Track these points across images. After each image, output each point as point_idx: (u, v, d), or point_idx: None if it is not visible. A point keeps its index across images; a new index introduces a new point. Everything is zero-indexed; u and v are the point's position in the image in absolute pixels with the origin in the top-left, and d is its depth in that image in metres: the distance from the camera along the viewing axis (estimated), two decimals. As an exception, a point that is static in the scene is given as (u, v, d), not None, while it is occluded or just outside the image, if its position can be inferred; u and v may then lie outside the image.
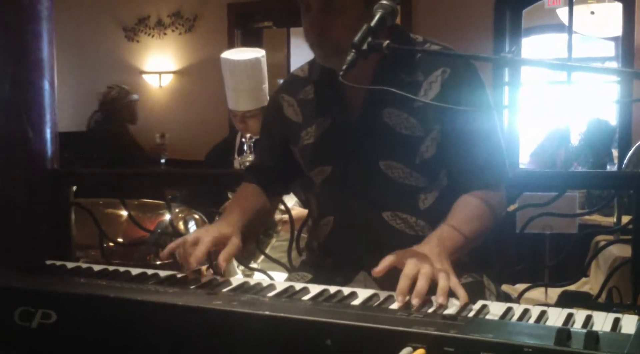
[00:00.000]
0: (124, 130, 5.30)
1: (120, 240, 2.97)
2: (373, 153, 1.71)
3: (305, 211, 2.65)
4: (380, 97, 1.68)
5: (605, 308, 2.28)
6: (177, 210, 3.30)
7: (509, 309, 1.28)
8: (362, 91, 1.71)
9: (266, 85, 3.29)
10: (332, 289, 1.44)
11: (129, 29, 7.38)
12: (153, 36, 7.32)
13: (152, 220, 3.18)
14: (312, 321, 1.16)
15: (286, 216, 2.51)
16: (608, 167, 5.59)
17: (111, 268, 1.67)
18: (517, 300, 2.21)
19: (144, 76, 7.37)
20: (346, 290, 1.43)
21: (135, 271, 1.63)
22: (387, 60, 1.68)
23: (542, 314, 1.25)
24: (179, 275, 1.61)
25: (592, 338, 1.02)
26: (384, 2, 1.46)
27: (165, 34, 7.29)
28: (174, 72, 7.31)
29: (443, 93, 1.66)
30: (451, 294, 1.36)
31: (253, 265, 2.65)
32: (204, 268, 2.16)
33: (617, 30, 6.23)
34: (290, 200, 3.04)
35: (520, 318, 1.23)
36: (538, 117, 7.90)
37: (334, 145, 1.76)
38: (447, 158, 1.70)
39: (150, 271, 1.62)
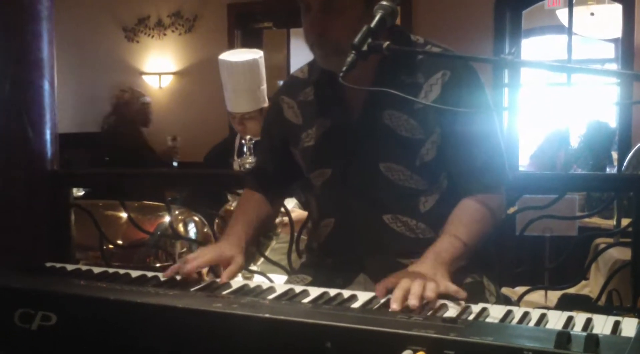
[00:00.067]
0: (137, 133, 5.31)
1: (120, 242, 2.96)
2: (373, 155, 1.71)
3: (305, 213, 2.64)
4: (380, 98, 1.68)
5: (605, 311, 2.28)
6: (176, 212, 3.30)
7: (509, 312, 1.28)
8: (362, 92, 1.71)
9: (264, 87, 3.29)
10: (332, 292, 1.44)
11: (129, 29, 7.38)
12: (153, 36, 7.32)
13: (152, 221, 3.18)
14: (312, 324, 1.16)
15: (286, 219, 2.51)
16: (608, 170, 5.58)
17: (111, 270, 1.68)
18: (517, 303, 2.21)
19: (144, 77, 7.37)
20: (346, 293, 1.43)
21: (135, 273, 1.64)
22: (388, 62, 1.68)
23: (542, 317, 1.25)
24: (179, 278, 1.61)
25: (592, 341, 1.02)
26: (384, 2, 1.46)
27: (165, 34, 7.28)
28: (173, 73, 7.31)
29: (443, 96, 1.66)
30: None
31: (253, 267, 2.65)
32: (204, 271, 2.15)
33: (617, 31, 6.24)
34: (290, 202, 3.04)
35: (521, 321, 1.23)
36: (538, 118, 7.90)
37: (334, 147, 1.76)
38: (447, 160, 1.70)
39: (150, 274, 1.62)
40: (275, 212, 2.04)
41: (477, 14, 6.11)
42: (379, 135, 1.70)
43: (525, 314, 1.26)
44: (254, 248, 2.54)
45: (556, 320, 1.24)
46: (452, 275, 1.50)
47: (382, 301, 1.37)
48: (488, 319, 1.26)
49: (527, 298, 2.37)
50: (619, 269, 2.48)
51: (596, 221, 4.54)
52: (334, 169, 1.77)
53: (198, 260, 1.66)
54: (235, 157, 3.43)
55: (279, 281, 2.18)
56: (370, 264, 1.71)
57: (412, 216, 1.70)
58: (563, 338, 1.02)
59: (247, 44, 6.83)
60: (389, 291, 1.40)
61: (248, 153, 2.69)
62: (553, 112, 7.45)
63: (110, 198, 3.05)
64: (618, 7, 6.02)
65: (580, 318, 1.24)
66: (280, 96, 1.90)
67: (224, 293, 1.47)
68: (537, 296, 3.76)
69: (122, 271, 1.65)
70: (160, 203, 3.24)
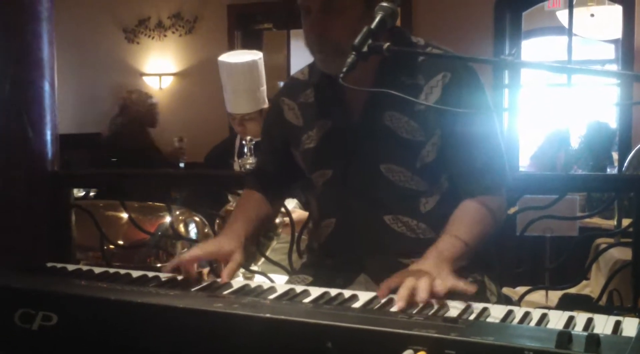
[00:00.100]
0: (144, 133, 5.32)
1: (120, 242, 2.96)
2: (374, 156, 1.71)
3: (306, 214, 2.64)
4: (381, 100, 1.68)
5: (606, 311, 2.28)
6: (177, 212, 3.29)
7: (510, 312, 1.28)
8: (362, 94, 1.71)
9: (264, 88, 3.29)
10: (333, 291, 1.44)
11: (129, 30, 7.38)
12: (153, 38, 7.32)
13: (153, 222, 3.17)
14: (313, 324, 1.16)
15: (287, 219, 2.51)
16: (608, 170, 5.59)
17: (112, 270, 1.68)
18: (518, 303, 2.21)
19: (144, 78, 7.37)
20: (347, 293, 1.43)
21: (135, 273, 1.63)
22: (388, 63, 1.68)
23: (543, 317, 1.25)
24: (180, 278, 1.61)
25: (593, 340, 1.02)
26: (385, 4, 1.46)
27: (165, 35, 7.29)
28: (174, 74, 7.31)
29: (444, 98, 1.66)
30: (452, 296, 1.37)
31: (253, 267, 2.65)
32: (205, 270, 2.15)
33: (617, 32, 6.24)
34: (291, 202, 3.04)
35: (521, 321, 1.23)
36: (538, 119, 7.90)
37: (335, 148, 1.76)
38: (447, 161, 1.70)
39: (151, 274, 1.62)
40: (275, 212, 2.04)
41: (477, 15, 6.11)
42: (380, 137, 1.70)
43: (526, 314, 1.26)
44: (254, 248, 2.54)
45: (557, 320, 1.24)
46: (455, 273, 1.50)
47: (383, 301, 1.37)
48: (489, 319, 1.26)
49: (527, 298, 2.37)
50: (620, 269, 2.48)
51: (597, 221, 4.55)
52: (334, 170, 1.77)
53: (195, 252, 1.66)
54: (236, 158, 3.43)
55: (280, 281, 2.18)
56: (371, 264, 1.71)
57: (412, 216, 1.70)
58: (564, 337, 1.02)
59: (247, 45, 6.83)
60: (392, 291, 1.40)
61: (249, 153, 2.69)
62: (553, 113, 7.45)
63: (112, 198, 3.06)
64: (618, 8, 6.03)
65: (581, 318, 1.23)
66: (280, 97, 1.90)
67: (225, 293, 1.47)
68: (538, 296, 3.76)
69: (122, 272, 1.65)
70: (161, 204, 3.24)
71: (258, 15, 7.21)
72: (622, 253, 3.31)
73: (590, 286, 3.99)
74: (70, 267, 1.70)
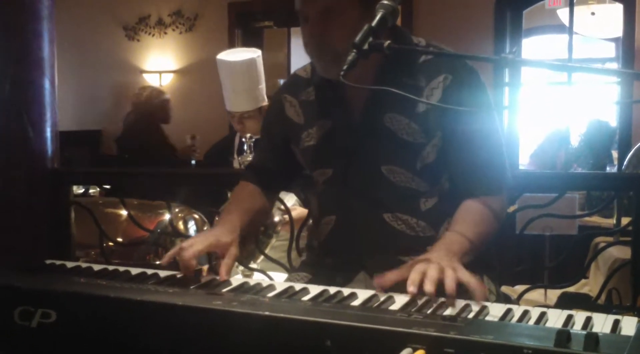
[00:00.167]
0: (157, 129, 5.31)
1: (120, 239, 2.96)
2: (374, 156, 1.71)
3: (305, 211, 2.64)
4: (381, 100, 1.68)
5: (605, 309, 2.28)
6: (176, 210, 3.29)
7: (508, 311, 1.28)
8: (363, 93, 1.71)
9: (263, 86, 3.29)
10: (332, 289, 1.44)
11: (130, 28, 7.38)
12: (153, 35, 7.32)
13: (152, 219, 3.17)
14: (312, 322, 1.16)
15: (287, 217, 2.50)
16: (608, 168, 5.59)
17: (111, 267, 1.68)
18: (517, 302, 2.21)
19: (145, 75, 7.37)
20: (346, 291, 1.43)
21: (135, 271, 1.63)
22: (389, 63, 1.68)
23: (542, 315, 1.25)
24: (179, 275, 1.61)
25: (592, 339, 1.02)
26: (385, 2, 1.45)
27: (165, 33, 7.28)
28: (174, 72, 7.30)
29: (444, 100, 1.66)
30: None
31: (253, 265, 2.65)
32: (204, 268, 2.16)
33: (618, 31, 6.24)
34: (290, 200, 3.04)
35: (520, 320, 1.23)
36: (538, 117, 7.90)
37: (335, 147, 1.76)
38: (448, 162, 1.70)
39: (150, 271, 1.62)
40: (270, 205, 2.03)
41: (478, 14, 6.11)
42: (380, 138, 1.70)
43: (525, 312, 1.26)
44: (253, 245, 2.55)
45: (556, 319, 1.24)
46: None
47: (382, 299, 1.37)
48: (488, 318, 1.26)
49: (526, 296, 2.37)
50: (619, 268, 2.48)
51: (596, 220, 4.55)
52: (334, 169, 1.77)
53: (195, 246, 1.65)
54: (235, 155, 3.43)
55: (279, 279, 2.17)
56: (371, 262, 1.71)
57: (412, 214, 1.70)
58: (563, 336, 1.02)
59: (248, 42, 6.82)
60: (392, 287, 1.40)
61: (248, 151, 2.69)
62: (553, 111, 7.45)
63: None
64: (619, 7, 6.02)
65: (579, 316, 1.23)
66: (282, 94, 1.90)
67: (224, 290, 1.47)
68: (536, 294, 3.76)
69: (122, 269, 1.65)
70: (161, 201, 3.24)
71: (258, 13, 7.21)
72: (621, 252, 3.31)
73: (589, 285, 3.99)
74: (69, 264, 1.70)
